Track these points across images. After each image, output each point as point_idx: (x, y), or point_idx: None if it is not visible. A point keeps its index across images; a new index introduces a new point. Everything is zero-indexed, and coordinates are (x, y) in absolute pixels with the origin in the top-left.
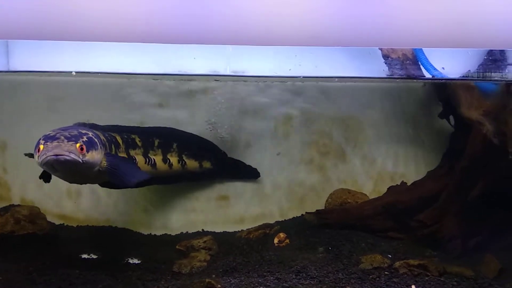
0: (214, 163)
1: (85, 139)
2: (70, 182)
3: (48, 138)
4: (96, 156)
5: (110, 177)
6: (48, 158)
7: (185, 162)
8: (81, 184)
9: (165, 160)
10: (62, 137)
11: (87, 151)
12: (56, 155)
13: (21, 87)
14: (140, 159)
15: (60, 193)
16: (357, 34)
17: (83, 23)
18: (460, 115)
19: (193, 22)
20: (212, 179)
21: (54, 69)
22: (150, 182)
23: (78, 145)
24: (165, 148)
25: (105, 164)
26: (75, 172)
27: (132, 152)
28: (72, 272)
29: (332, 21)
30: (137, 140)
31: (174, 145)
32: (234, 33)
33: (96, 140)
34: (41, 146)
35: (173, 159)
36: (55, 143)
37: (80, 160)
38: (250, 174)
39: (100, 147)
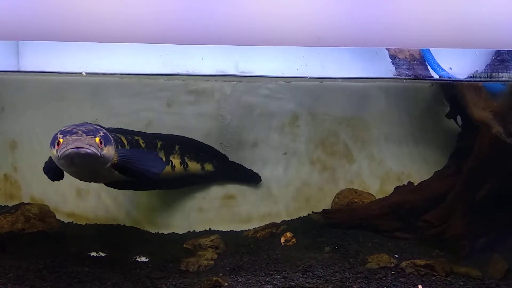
0: (216, 165)
1: (101, 134)
2: (81, 179)
3: (66, 133)
4: (111, 151)
5: (126, 172)
6: (69, 151)
7: (187, 164)
8: (89, 181)
9: (167, 162)
10: (80, 132)
11: (105, 146)
12: (77, 147)
13: (31, 87)
14: None
15: (69, 191)
16: (364, 34)
17: (92, 24)
18: (467, 115)
19: (201, 23)
20: (213, 181)
21: (63, 70)
22: (153, 187)
23: (97, 139)
24: (168, 150)
25: (116, 161)
26: (91, 167)
27: None
28: (81, 269)
29: (339, 22)
30: (141, 141)
31: (177, 147)
32: (241, 34)
33: (109, 136)
34: (61, 140)
35: (176, 161)
36: (74, 137)
37: (99, 154)
38: (251, 178)
39: (113, 143)
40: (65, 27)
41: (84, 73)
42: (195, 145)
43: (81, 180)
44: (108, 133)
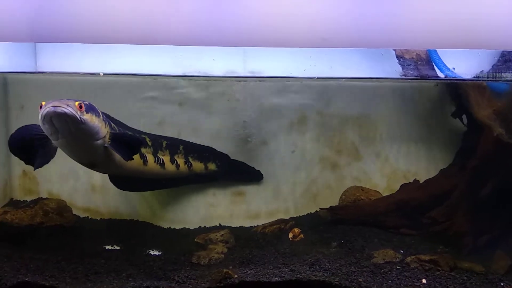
0: (219, 164)
1: (86, 103)
2: (78, 160)
3: (49, 101)
4: (96, 120)
5: (117, 150)
6: (47, 110)
7: (191, 163)
8: (87, 164)
9: (172, 160)
10: (62, 99)
11: (86, 112)
12: (54, 106)
13: (49, 86)
14: (150, 157)
15: (85, 187)
16: (370, 36)
17: (108, 27)
18: (471, 115)
19: (213, 25)
20: (217, 180)
21: (80, 70)
22: (159, 186)
23: (77, 103)
24: (172, 150)
25: (109, 141)
26: (74, 134)
27: (143, 150)
28: (98, 261)
29: (346, 24)
30: (147, 139)
31: (181, 147)
32: (251, 36)
33: (99, 111)
34: (43, 103)
35: (180, 160)
36: (54, 101)
37: (78, 117)
38: (253, 176)
39: (104, 120)
40: (81, 30)
41: (102, 74)
42: (198, 146)
43: (81, 163)
44: (99, 110)
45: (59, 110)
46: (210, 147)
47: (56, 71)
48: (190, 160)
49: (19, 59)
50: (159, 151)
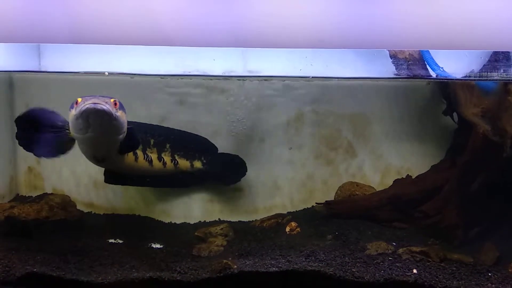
0: (205, 162)
1: (117, 100)
2: (93, 153)
3: (84, 97)
4: (124, 118)
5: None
6: (87, 106)
7: (177, 161)
8: (99, 158)
9: (159, 158)
10: (98, 96)
11: (119, 109)
12: (94, 103)
13: (51, 86)
14: (140, 154)
15: (88, 183)
16: (365, 37)
17: (111, 28)
18: (459, 113)
19: (213, 27)
20: (204, 180)
21: (81, 70)
22: (147, 183)
23: (112, 100)
24: (160, 148)
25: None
26: (105, 129)
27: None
28: (102, 254)
29: (341, 25)
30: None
31: (167, 146)
32: (250, 37)
33: (124, 107)
34: (79, 100)
35: (167, 158)
36: (92, 98)
37: (113, 114)
38: (237, 167)
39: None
40: (85, 30)
41: (107, 73)
42: (185, 140)
43: (94, 158)
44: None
45: (99, 107)
46: (197, 135)
47: (69, 71)
48: (177, 158)
49: (23, 59)
50: (148, 149)
